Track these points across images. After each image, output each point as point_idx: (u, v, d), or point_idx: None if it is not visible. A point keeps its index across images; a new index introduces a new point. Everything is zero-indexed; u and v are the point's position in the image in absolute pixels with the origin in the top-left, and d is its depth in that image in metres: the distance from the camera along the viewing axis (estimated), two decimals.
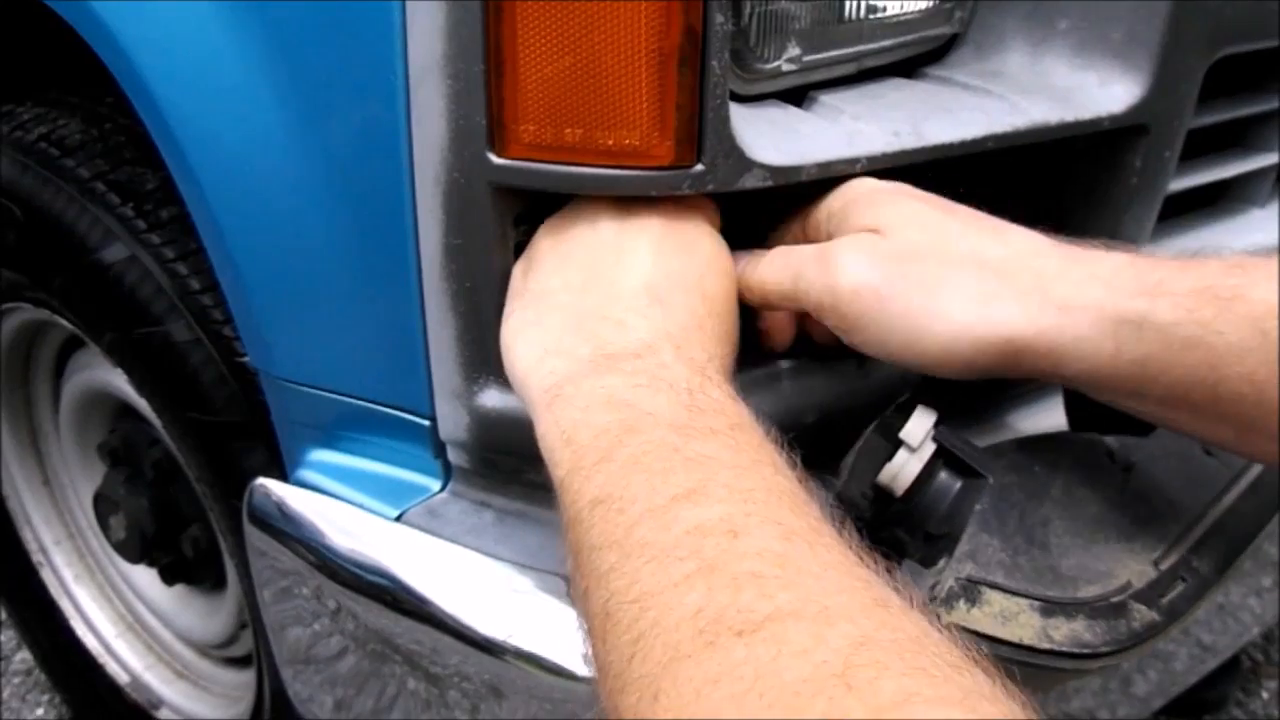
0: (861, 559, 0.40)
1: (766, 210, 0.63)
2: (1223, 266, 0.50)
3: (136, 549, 1.09)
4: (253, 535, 0.75)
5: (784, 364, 0.65)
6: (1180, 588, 0.55)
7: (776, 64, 0.61)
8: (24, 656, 1.44)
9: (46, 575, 1.28)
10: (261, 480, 0.75)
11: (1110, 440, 0.62)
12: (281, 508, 0.73)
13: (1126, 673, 0.87)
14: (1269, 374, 0.47)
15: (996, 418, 0.74)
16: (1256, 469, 0.61)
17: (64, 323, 1.00)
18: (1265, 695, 1.42)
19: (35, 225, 0.89)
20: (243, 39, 0.63)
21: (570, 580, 0.46)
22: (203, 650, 1.24)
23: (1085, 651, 0.52)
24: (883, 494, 0.57)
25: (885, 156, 0.59)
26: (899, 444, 0.56)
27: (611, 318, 0.52)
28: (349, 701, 0.78)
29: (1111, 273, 0.51)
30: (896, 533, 0.55)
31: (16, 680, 1.45)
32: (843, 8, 0.62)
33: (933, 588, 0.53)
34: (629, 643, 0.38)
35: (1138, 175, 0.69)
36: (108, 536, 1.13)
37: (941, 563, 0.53)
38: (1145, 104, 0.66)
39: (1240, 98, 0.78)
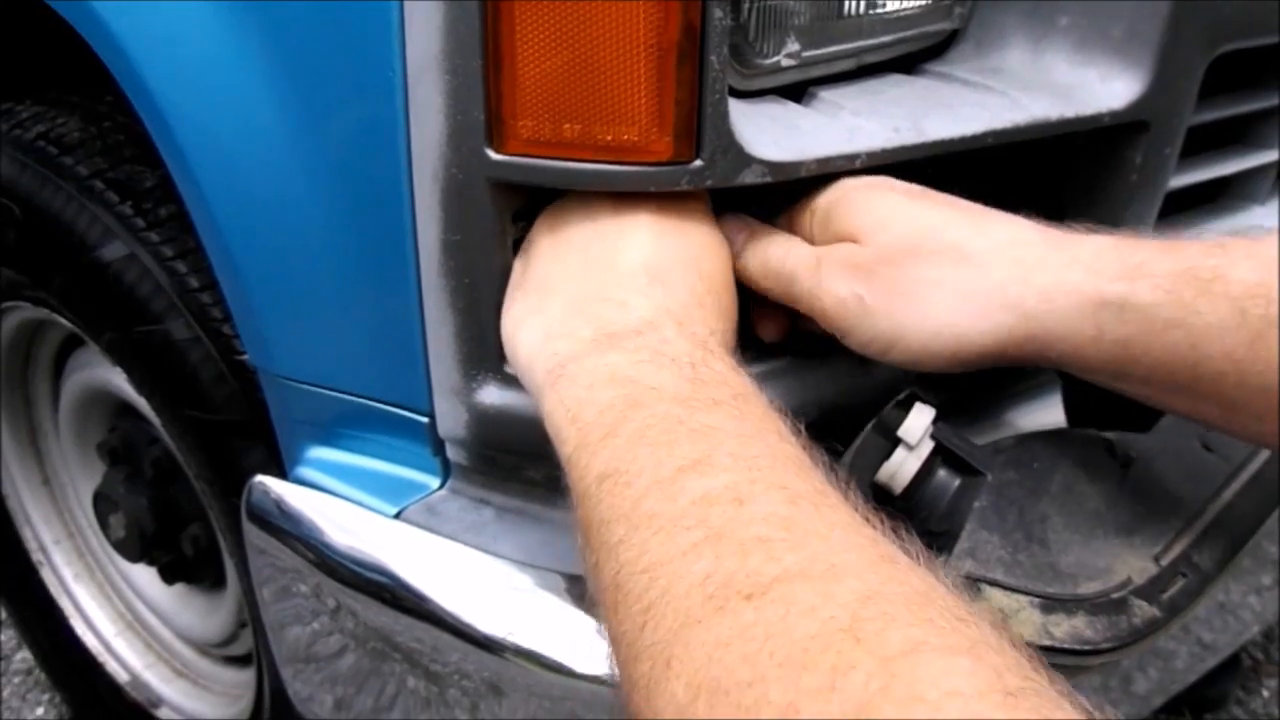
0: (868, 519, 0.41)
1: (758, 202, 0.63)
2: (1203, 248, 0.51)
3: (136, 548, 1.09)
4: (252, 533, 0.75)
5: (783, 361, 0.65)
6: (1181, 583, 0.55)
7: (776, 59, 0.60)
8: (24, 656, 1.44)
9: (46, 574, 1.28)
10: (260, 478, 0.75)
11: (1109, 436, 0.62)
12: (280, 505, 0.73)
13: (1127, 670, 0.87)
14: (1247, 353, 0.48)
15: (995, 414, 0.74)
16: (1256, 464, 0.61)
17: (63, 321, 1.00)
18: (1265, 694, 1.42)
19: (34, 224, 0.89)
20: (241, 37, 0.63)
21: (580, 555, 0.46)
22: (202, 649, 1.24)
23: (1086, 648, 0.52)
24: (881, 492, 0.57)
25: (885, 153, 0.59)
26: (897, 441, 0.56)
27: (612, 298, 0.53)
28: (349, 700, 0.78)
29: (1093, 256, 0.52)
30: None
31: (17, 679, 1.45)
32: (842, 4, 0.62)
33: None
34: (640, 612, 0.39)
35: (1138, 172, 0.69)
36: (107, 535, 1.12)
37: (941, 560, 0.53)
38: (1146, 100, 0.66)
39: (1240, 94, 0.78)
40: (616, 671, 0.41)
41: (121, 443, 1.11)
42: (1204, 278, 0.49)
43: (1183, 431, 0.62)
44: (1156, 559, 0.56)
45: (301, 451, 0.76)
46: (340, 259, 0.65)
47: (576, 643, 0.62)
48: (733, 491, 0.40)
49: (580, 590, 0.64)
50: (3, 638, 1.49)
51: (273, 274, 0.69)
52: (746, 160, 0.55)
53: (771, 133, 0.57)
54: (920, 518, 0.54)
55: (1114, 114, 0.65)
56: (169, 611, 1.24)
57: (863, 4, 0.63)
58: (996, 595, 0.52)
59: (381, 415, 0.69)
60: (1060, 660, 0.52)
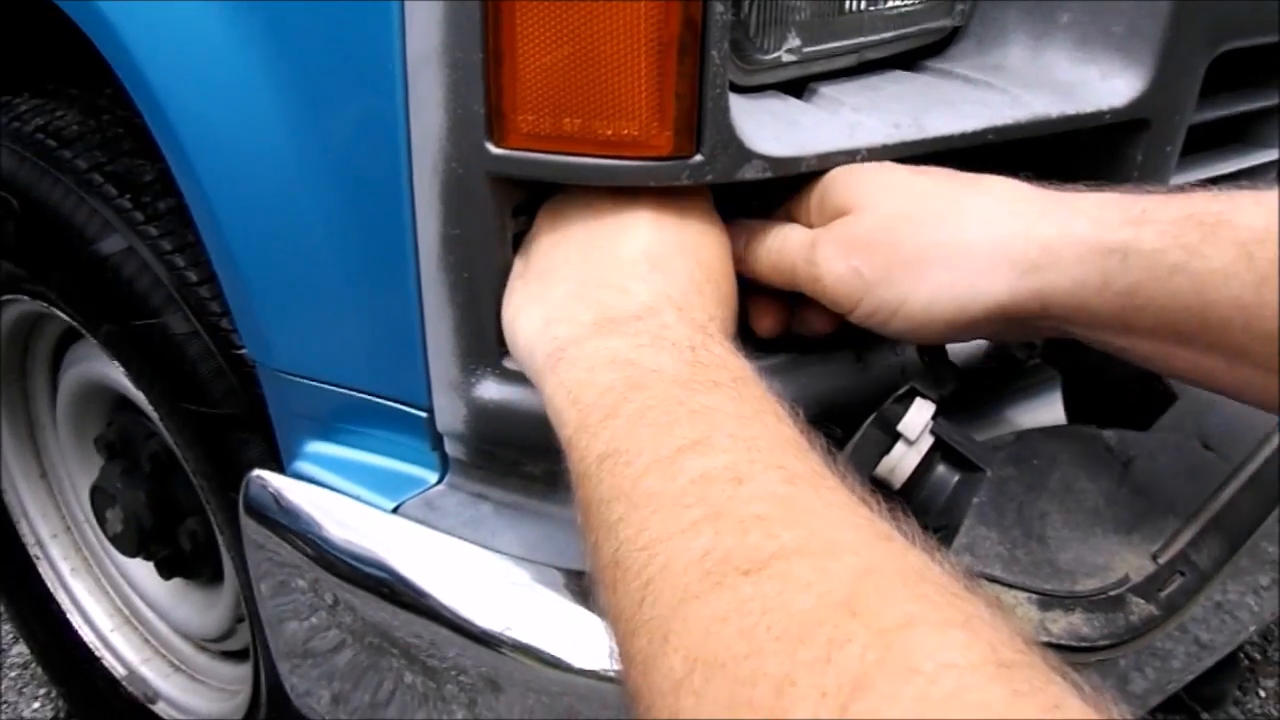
0: (864, 500, 0.41)
1: (761, 197, 0.63)
2: (1207, 195, 0.50)
3: (133, 542, 1.08)
4: (249, 527, 0.75)
5: (779, 358, 0.64)
6: (1178, 581, 0.55)
7: (776, 55, 0.60)
8: (21, 650, 1.44)
9: (43, 568, 1.27)
10: (258, 472, 0.75)
11: (1109, 434, 0.62)
12: (278, 500, 0.73)
13: (1124, 670, 0.87)
14: (1254, 297, 0.47)
15: (995, 411, 0.74)
16: (1256, 463, 0.61)
17: (61, 315, 1.00)
18: (1263, 693, 1.42)
19: (33, 217, 0.89)
20: (241, 30, 0.63)
21: (580, 535, 0.46)
22: (200, 644, 1.24)
23: (1083, 645, 0.52)
24: (880, 487, 0.57)
25: (885, 148, 0.59)
26: (897, 436, 0.56)
27: (613, 285, 0.53)
28: (346, 695, 0.78)
29: (1095, 207, 0.52)
30: None
31: (13, 674, 1.45)
32: (843, 0, 0.62)
33: None
34: (638, 588, 0.39)
35: (1139, 169, 0.69)
36: (105, 529, 1.12)
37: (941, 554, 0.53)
38: (1146, 98, 0.66)
39: (1241, 93, 0.78)
40: (615, 648, 0.41)
41: (119, 437, 1.11)
42: (1209, 223, 0.48)
43: (1182, 430, 0.62)
44: (1154, 557, 0.56)
45: (300, 446, 0.76)
46: (339, 253, 0.65)
47: (574, 638, 0.62)
48: (732, 471, 0.41)
49: (578, 585, 0.63)
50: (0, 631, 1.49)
51: (272, 268, 0.69)
52: (747, 155, 0.55)
53: (772, 128, 0.57)
54: (919, 513, 0.54)
55: (1115, 112, 0.65)
56: (166, 606, 1.24)
57: (864, 0, 0.63)
58: (995, 591, 0.52)
59: (380, 410, 0.69)
60: (1058, 657, 0.52)
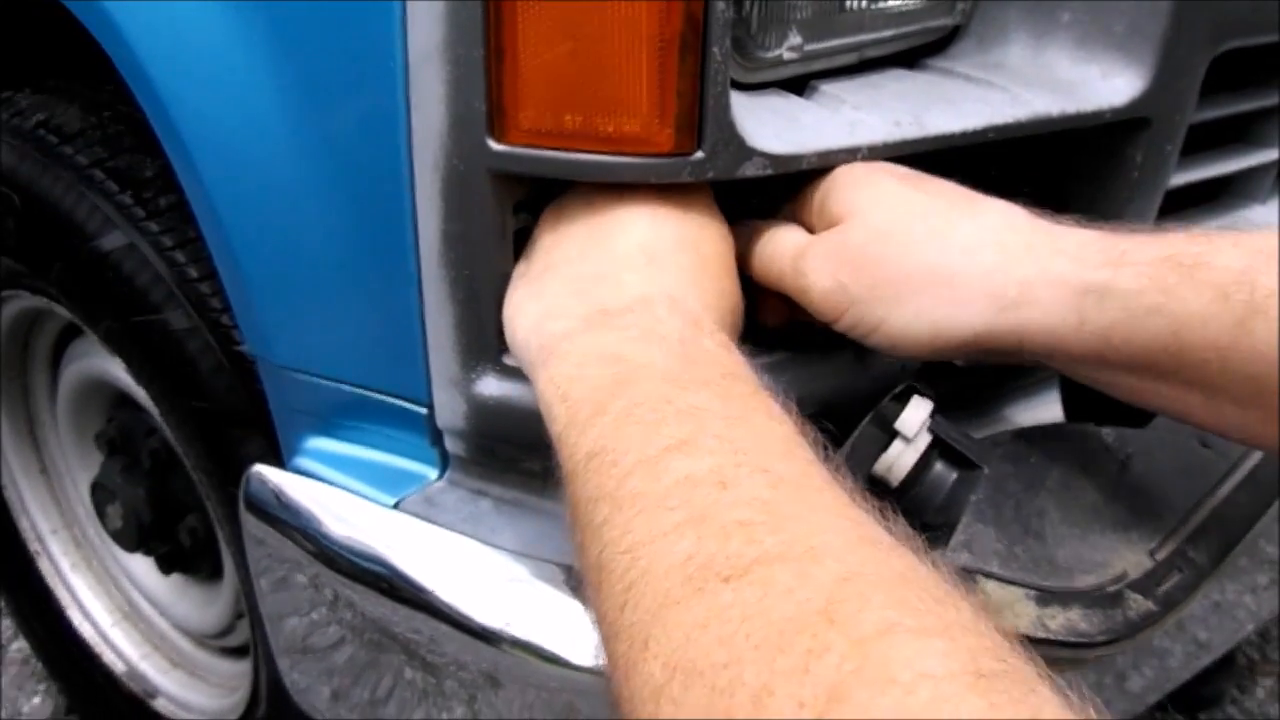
0: (854, 499, 0.41)
1: (764, 195, 0.63)
2: (1188, 236, 0.51)
3: (133, 538, 1.09)
4: (249, 523, 0.75)
5: (781, 355, 0.65)
6: (1176, 578, 0.55)
7: (778, 52, 0.60)
8: (20, 645, 1.44)
9: (43, 564, 1.28)
10: (258, 468, 0.75)
11: (1107, 432, 0.62)
12: (278, 495, 0.73)
13: (1122, 669, 0.87)
14: (1230, 340, 0.47)
15: (993, 410, 0.74)
16: (1253, 461, 0.61)
17: (62, 310, 1.00)
18: (1261, 693, 1.43)
19: (33, 212, 0.89)
20: (242, 26, 0.63)
21: (568, 533, 0.46)
22: (199, 640, 1.24)
23: (1081, 641, 0.52)
24: (878, 485, 0.57)
25: (886, 146, 0.59)
26: (895, 435, 0.56)
27: (608, 278, 0.53)
28: (346, 691, 0.78)
29: (1077, 246, 0.52)
30: None
31: (13, 669, 1.45)
32: None
33: None
34: (621, 592, 0.39)
35: (1139, 169, 0.69)
36: (105, 525, 1.12)
37: (936, 553, 0.53)
38: (1147, 97, 0.66)
39: (1242, 93, 0.78)
40: (600, 651, 0.41)
41: (119, 433, 1.11)
42: (1187, 264, 0.49)
43: (1180, 428, 0.62)
44: (1152, 554, 0.56)
45: (300, 442, 0.76)
46: (340, 249, 0.65)
47: (573, 634, 0.62)
48: (717, 474, 0.40)
49: (578, 581, 0.64)
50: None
51: (272, 264, 0.69)
52: (748, 153, 0.55)
53: (773, 125, 0.57)
54: (916, 511, 0.54)
55: (1115, 110, 0.65)
56: (166, 602, 1.24)
57: None
58: (992, 587, 0.52)
59: (380, 406, 0.69)
60: (1055, 653, 0.53)
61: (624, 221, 0.55)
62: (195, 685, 1.23)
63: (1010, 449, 0.58)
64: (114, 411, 1.14)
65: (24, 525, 1.27)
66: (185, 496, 1.07)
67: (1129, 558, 0.56)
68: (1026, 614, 0.52)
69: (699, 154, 0.54)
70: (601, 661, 0.41)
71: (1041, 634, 0.52)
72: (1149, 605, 0.54)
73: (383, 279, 0.64)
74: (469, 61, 0.53)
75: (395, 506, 0.69)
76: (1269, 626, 1.43)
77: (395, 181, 0.59)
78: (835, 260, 0.55)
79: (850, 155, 0.58)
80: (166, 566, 1.13)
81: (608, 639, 0.40)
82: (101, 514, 1.12)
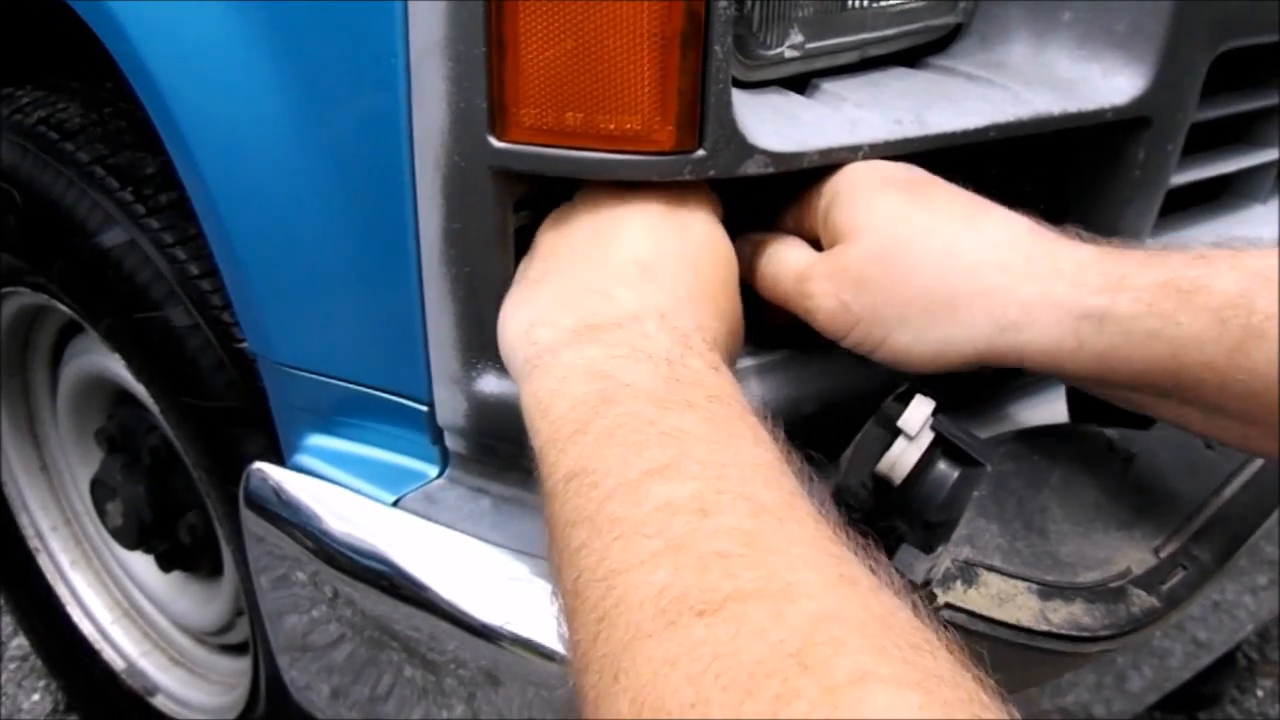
0: (835, 534, 0.40)
1: (769, 194, 0.63)
2: (1186, 258, 0.51)
3: (133, 535, 1.09)
4: (250, 520, 0.75)
5: (784, 354, 0.65)
6: (1180, 575, 0.55)
7: (779, 51, 0.60)
8: (20, 642, 1.44)
9: (43, 561, 1.28)
10: (259, 465, 0.75)
11: (1110, 432, 0.62)
12: (279, 493, 0.73)
13: (1121, 668, 0.87)
14: (1227, 362, 0.48)
15: (997, 409, 0.74)
16: (1258, 462, 0.61)
17: (62, 307, 1.00)
18: (1260, 693, 1.43)
19: (34, 209, 0.89)
20: (244, 22, 0.63)
21: (547, 555, 0.46)
22: (199, 637, 1.24)
23: (1084, 635, 0.52)
24: (882, 483, 0.57)
25: (887, 144, 0.59)
26: (897, 433, 0.56)
27: (600, 290, 0.53)
28: (345, 688, 0.78)
29: (1076, 269, 0.53)
30: (896, 521, 0.55)
31: (12, 666, 1.45)
32: None
33: (929, 570, 0.52)
34: (594, 621, 0.38)
35: (1140, 168, 0.69)
36: (104, 522, 1.12)
37: (939, 548, 0.53)
38: (1148, 96, 0.66)
39: (1242, 93, 0.78)
40: (571, 680, 0.40)
41: (120, 430, 1.11)
42: (1185, 289, 0.49)
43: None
44: (1156, 551, 0.56)
45: (300, 439, 0.76)
46: (341, 246, 0.65)
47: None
48: (698, 501, 0.40)
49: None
50: None
51: (273, 261, 0.69)
52: (749, 151, 0.55)
53: (774, 123, 0.57)
54: (920, 508, 0.54)
55: (1117, 110, 0.65)
56: (165, 599, 1.24)
57: None
58: (993, 580, 0.52)
59: (380, 403, 0.69)
60: (1057, 646, 0.52)
61: (624, 233, 0.55)
62: (195, 682, 1.23)
63: (1013, 447, 0.58)
64: (114, 409, 1.14)
65: (24, 522, 1.27)
66: (185, 494, 1.07)
67: (1133, 555, 0.56)
68: (1029, 607, 0.52)
69: (700, 152, 0.54)
70: (571, 688, 0.40)
71: (1044, 627, 0.52)
72: (1152, 601, 0.54)
73: (383, 276, 0.64)
74: (470, 59, 0.53)
75: (395, 504, 0.69)
76: (1269, 627, 1.43)
77: (396, 179, 0.59)
78: (838, 282, 0.56)
79: (851, 153, 0.58)
80: (166, 564, 1.13)
81: (579, 670, 0.39)
82: (101, 511, 1.12)
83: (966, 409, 0.72)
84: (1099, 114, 0.65)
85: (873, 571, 0.39)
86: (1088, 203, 0.71)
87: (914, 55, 0.70)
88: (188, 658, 1.25)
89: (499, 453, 0.68)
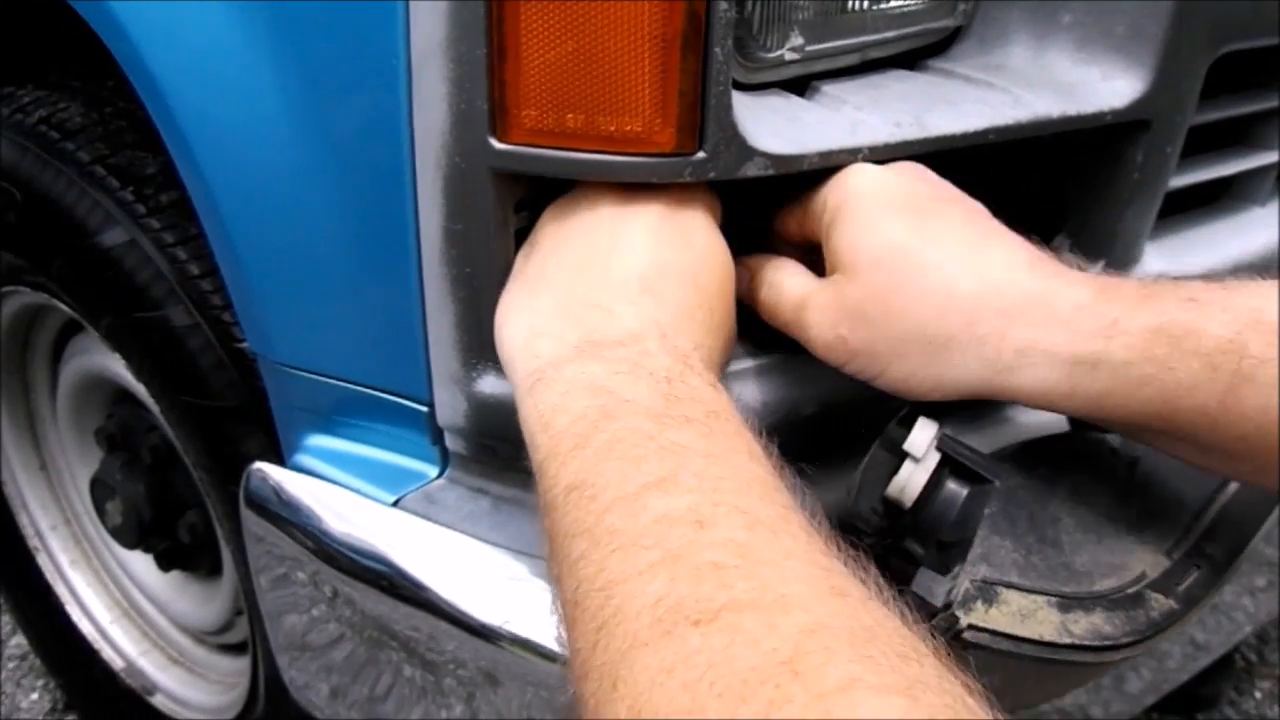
0: (827, 548, 0.41)
1: (769, 195, 0.63)
2: (1178, 301, 0.52)
3: (133, 534, 1.09)
4: (250, 520, 0.75)
5: (781, 356, 0.65)
6: (1195, 575, 0.55)
7: (779, 53, 0.61)
8: (19, 641, 1.44)
9: (42, 560, 1.28)
10: (259, 465, 0.75)
11: (1112, 437, 0.62)
12: (279, 492, 0.73)
13: (1120, 670, 0.87)
14: (1219, 406, 0.49)
15: (998, 417, 0.74)
16: None
17: (62, 307, 1.00)
18: (1258, 695, 1.43)
19: (35, 208, 0.89)
20: (245, 22, 0.63)
21: (547, 566, 0.46)
22: (198, 636, 1.24)
23: (1106, 644, 0.52)
24: (892, 507, 0.57)
25: (887, 147, 0.59)
26: (904, 456, 0.56)
27: (601, 305, 0.53)
28: (344, 688, 0.78)
29: (1072, 310, 0.53)
30: (909, 544, 0.55)
31: (11, 665, 1.45)
32: None
33: (949, 592, 0.53)
34: (593, 630, 0.39)
35: (1139, 170, 0.69)
36: (104, 522, 1.13)
37: (956, 568, 0.53)
38: (1148, 99, 0.66)
39: (1241, 95, 0.78)
40: (571, 688, 0.41)
41: (119, 429, 1.12)
42: (1176, 334, 0.50)
43: None
44: (1169, 553, 0.56)
45: (300, 439, 0.76)
46: (342, 246, 0.65)
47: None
48: (694, 513, 0.41)
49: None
50: None
51: (274, 261, 0.69)
52: (749, 153, 0.55)
53: (774, 125, 0.57)
54: (932, 529, 0.54)
55: (1116, 112, 0.65)
56: (165, 598, 1.24)
57: (866, 0, 0.63)
58: (1014, 597, 0.53)
59: (381, 404, 0.69)
60: (1082, 657, 0.53)
61: (623, 241, 0.55)
62: (194, 682, 1.23)
63: (1019, 460, 0.58)
64: (114, 408, 1.14)
65: (23, 521, 1.27)
66: (185, 493, 1.07)
67: (1146, 558, 0.56)
68: (1050, 621, 0.52)
69: (700, 154, 0.54)
70: (572, 694, 0.41)
71: (1067, 639, 0.52)
72: (1170, 604, 0.54)
73: (384, 277, 0.64)
74: (471, 60, 0.53)
75: (395, 504, 0.69)
76: (1267, 628, 1.43)
77: (397, 179, 0.59)
78: (835, 316, 0.57)
79: (852, 155, 0.59)
80: (166, 563, 1.13)
81: (578, 678, 0.40)
82: (101, 510, 1.12)
83: (968, 419, 0.72)
84: (1098, 117, 0.65)
85: (862, 583, 0.39)
86: (1087, 205, 0.71)
87: (913, 58, 0.70)
88: (187, 657, 1.25)
89: (499, 453, 0.68)
